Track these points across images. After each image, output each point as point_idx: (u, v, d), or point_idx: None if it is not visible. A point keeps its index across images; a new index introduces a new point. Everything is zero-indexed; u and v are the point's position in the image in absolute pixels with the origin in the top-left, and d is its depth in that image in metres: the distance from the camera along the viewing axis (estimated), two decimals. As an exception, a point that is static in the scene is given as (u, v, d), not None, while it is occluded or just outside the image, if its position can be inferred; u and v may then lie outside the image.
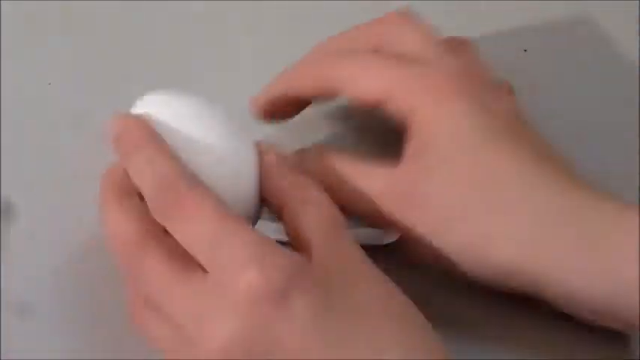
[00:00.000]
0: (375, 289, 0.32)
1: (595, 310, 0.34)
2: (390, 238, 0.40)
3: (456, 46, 0.39)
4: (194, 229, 0.31)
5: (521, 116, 0.38)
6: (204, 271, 0.31)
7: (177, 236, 0.31)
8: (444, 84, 0.36)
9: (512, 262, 0.34)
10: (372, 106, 0.37)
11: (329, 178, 0.36)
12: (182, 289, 0.31)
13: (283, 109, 0.41)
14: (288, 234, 0.34)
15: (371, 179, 0.36)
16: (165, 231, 0.32)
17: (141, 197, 0.33)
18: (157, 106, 0.35)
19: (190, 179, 0.32)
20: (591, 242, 0.33)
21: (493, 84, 0.39)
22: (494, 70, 0.40)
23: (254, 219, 0.35)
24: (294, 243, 0.33)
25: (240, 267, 0.29)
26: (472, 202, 0.34)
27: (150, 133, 0.33)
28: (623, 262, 0.32)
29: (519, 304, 0.36)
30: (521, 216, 0.34)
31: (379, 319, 0.31)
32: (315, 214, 0.33)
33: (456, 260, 0.35)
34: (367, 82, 0.37)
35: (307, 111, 0.42)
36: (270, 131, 0.42)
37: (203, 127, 0.34)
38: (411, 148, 0.36)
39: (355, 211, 0.36)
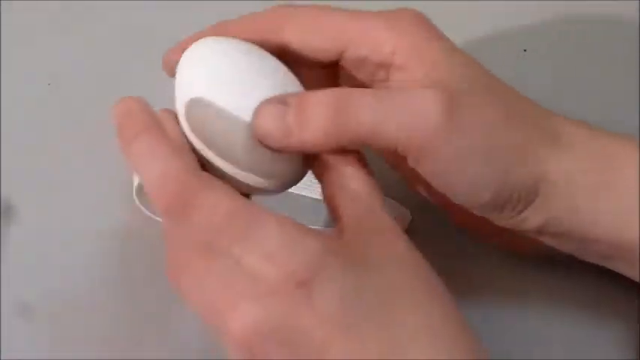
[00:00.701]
0: (408, 274, 0.30)
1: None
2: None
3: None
4: (212, 222, 0.29)
5: None
6: None
7: (194, 229, 0.30)
8: (421, 22, 0.34)
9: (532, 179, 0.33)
10: (329, 59, 0.35)
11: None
12: (207, 267, 0.29)
13: None
14: (326, 203, 0.33)
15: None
16: None
17: None
18: (215, 53, 0.34)
19: (197, 170, 0.31)
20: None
21: None
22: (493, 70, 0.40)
23: (297, 178, 0.34)
24: (331, 214, 0.32)
25: (264, 257, 0.29)
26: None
27: (151, 119, 0.32)
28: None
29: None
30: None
31: (407, 308, 0.29)
32: (352, 192, 0.32)
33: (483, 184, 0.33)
34: (321, 28, 0.34)
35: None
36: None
37: (259, 82, 0.33)
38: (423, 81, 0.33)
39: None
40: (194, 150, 0.33)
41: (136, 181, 0.39)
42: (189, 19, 0.48)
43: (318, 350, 0.28)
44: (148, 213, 0.40)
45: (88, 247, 0.40)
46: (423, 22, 0.35)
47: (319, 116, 0.32)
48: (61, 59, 0.46)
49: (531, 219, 0.34)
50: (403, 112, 0.32)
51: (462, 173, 0.33)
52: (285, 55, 0.35)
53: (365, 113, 0.32)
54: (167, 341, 0.38)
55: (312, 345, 0.28)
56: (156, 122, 0.32)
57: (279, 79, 0.33)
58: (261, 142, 0.32)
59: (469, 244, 0.40)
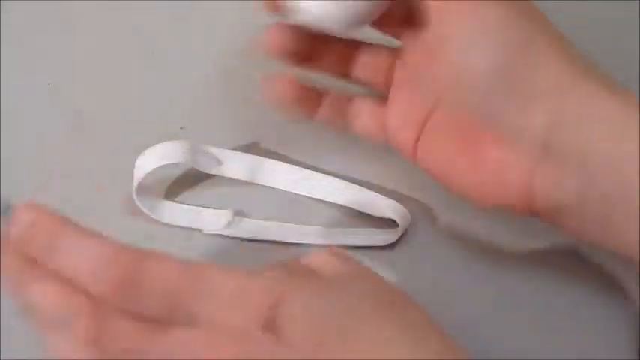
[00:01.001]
0: (368, 287, 0.32)
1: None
2: (390, 239, 0.40)
3: None
4: (163, 289, 0.29)
5: None
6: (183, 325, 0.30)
7: (144, 301, 0.29)
8: None
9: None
10: None
11: None
12: (164, 340, 0.29)
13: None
14: None
15: None
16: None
17: None
18: None
19: (130, 248, 0.30)
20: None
21: None
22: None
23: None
24: None
25: (220, 308, 0.29)
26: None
27: (63, 219, 0.31)
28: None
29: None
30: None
31: (375, 319, 0.30)
32: None
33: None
34: None
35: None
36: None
37: None
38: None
39: None
40: None
41: (136, 181, 0.39)
42: (189, 18, 0.49)
43: None
44: (148, 213, 0.40)
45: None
46: None
47: None
48: (61, 59, 0.46)
49: (535, 117, 0.34)
50: None
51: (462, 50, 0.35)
52: None
53: None
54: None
55: None
56: (67, 220, 0.31)
57: None
58: None
59: (469, 242, 0.40)
